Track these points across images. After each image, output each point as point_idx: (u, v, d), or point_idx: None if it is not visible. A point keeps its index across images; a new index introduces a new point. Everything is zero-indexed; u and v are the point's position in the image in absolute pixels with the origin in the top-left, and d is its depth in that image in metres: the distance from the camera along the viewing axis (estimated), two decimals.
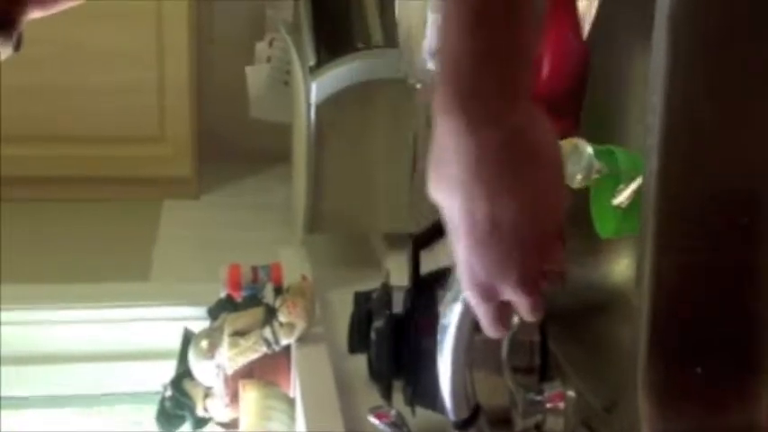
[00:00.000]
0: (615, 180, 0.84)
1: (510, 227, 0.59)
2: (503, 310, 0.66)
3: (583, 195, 0.86)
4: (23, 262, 2.13)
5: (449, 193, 0.60)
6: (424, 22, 1.29)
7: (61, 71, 2.36)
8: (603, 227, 0.89)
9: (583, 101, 0.84)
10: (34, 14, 0.46)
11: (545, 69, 0.78)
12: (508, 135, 0.57)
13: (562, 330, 0.94)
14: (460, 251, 0.62)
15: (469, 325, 0.75)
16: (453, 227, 0.61)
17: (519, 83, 0.57)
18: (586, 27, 0.91)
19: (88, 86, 2.37)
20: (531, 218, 0.60)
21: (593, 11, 0.91)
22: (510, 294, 0.64)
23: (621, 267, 0.96)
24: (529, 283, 0.64)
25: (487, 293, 0.64)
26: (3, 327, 1.91)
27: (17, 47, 0.44)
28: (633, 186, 0.82)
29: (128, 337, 1.99)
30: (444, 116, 0.56)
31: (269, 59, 2.38)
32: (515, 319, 0.96)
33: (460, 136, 0.56)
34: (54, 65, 2.34)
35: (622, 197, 0.83)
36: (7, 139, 2.35)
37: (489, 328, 0.68)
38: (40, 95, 2.36)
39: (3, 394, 1.85)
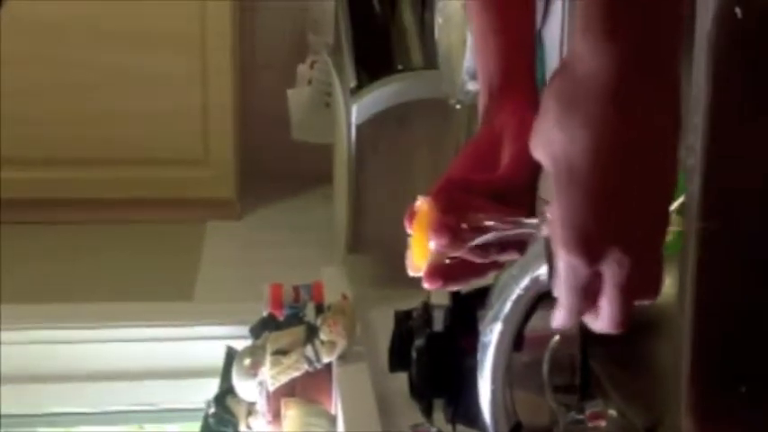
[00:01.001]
0: None
1: (634, 162, 0.53)
2: (589, 290, 0.56)
3: None
4: (72, 282, 2.18)
5: (566, 129, 0.53)
6: (464, 43, 1.31)
7: (108, 96, 2.41)
8: None
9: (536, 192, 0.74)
10: None
11: (504, 159, 0.69)
12: (666, 84, 0.52)
13: (603, 349, 0.94)
14: (568, 198, 0.54)
15: (510, 343, 0.75)
16: (568, 171, 0.53)
17: (677, 32, 0.52)
18: None
19: (134, 111, 2.42)
20: (651, 156, 0.53)
21: None
22: (614, 260, 0.54)
23: (665, 287, 0.95)
24: (642, 250, 0.54)
25: (591, 252, 0.54)
26: (55, 345, 1.96)
27: (1, 2, 0.41)
28: (675, 206, 0.82)
29: (172, 356, 2.01)
30: (588, 41, 0.52)
31: (310, 82, 2.41)
32: (555, 338, 0.96)
33: (594, 52, 0.51)
34: (101, 90, 2.40)
35: None
36: (57, 162, 2.41)
37: (566, 306, 0.58)
38: (89, 120, 2.41)
39: (57, 410, 1.89)
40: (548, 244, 0.60)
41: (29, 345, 1.98)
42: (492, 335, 0.75)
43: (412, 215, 0.67)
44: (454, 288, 0.66)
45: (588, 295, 0.56)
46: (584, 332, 0.98)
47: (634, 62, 0.52)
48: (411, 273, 0.67)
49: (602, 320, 0.57)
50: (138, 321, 2.03)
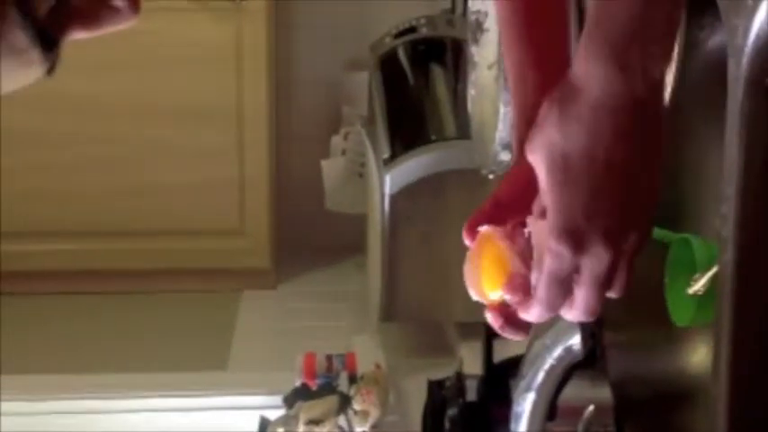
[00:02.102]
0: (691, 268, 0.83)
1: (624, 172, 0.60)
2: (568, 282, 0.62)
3: (658, 284, 0.86)
4: (109, 350, 2.20)
5: (566, 133, 0.60)
6: (496, 114, 1.33)
7: (147, 169, 2.46)
8: (679, 315, 0.88)
9: None
10: (77, 35, 0.49)
11: None
12: (648, 89, 0.59)
13: (638, 421, 0.93)
14: (562, 194, 0.60)
15: (543, 414, 0.75)
16: (564, 167, 0.60)
17: (670, 46, 0.61)
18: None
19: (172, 183, 2.47)
20: (640, 172, 0.60)
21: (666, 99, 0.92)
22: (595, 252, 0.60)
23: (699, 357, 0.94)
24: (617, 238, 0.61)
25: (575, 239, 0.60)
26: (91, 415, 1.97)
27: (51, 69, 0.45)
28: (709, 275, 0.82)
29: (206, 425, 2.01)
30: (590, 61, 0.59)
31: (344, 152, 2.45)
32: (590, 408, 0.95)
33: (604, 78, 0.58)
34: (140, 163, 2.46)
35: (698, 285, 0.82)
36: (98, 234, 2.46)
37: (544, 299, 0.62)
38: (128, 192, 2.46)
39: None
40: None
41: (68, 414, 2.00)
42: (525, 405, 0.75)
43: (473, 233, 0.68)
44: (513, 335, 0.67)
45: (566, 287, 0.62)
46: (620, 402, 0.97)
47: (630, 82, 0.59)
48: (475, 297, 0.69)
49: (576, 309, 0.62)
50: (173, 391, 2.03)
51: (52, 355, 2.14)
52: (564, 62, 0.76)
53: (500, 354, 1.13)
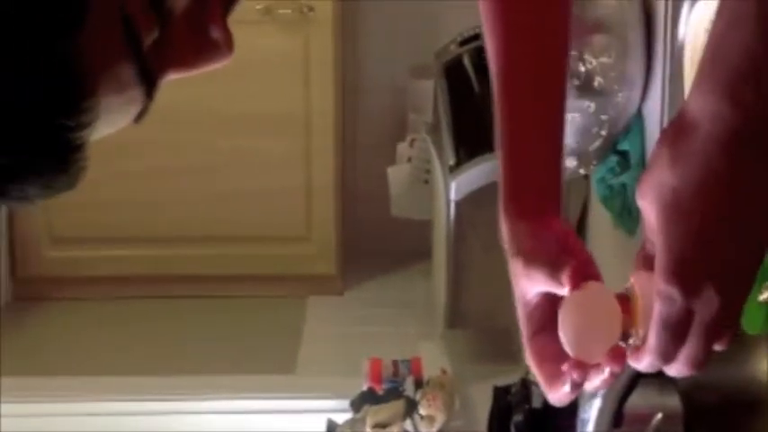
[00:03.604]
0: (762, 276, 0.83)
1: (737, 211, 0.57)
2: (681, 329, 0.57)
3: None
4: (183, 355, 2.25)
5: (677, 169, 0.57)
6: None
7: (217, 177, 2.52)
8: (750, 323, 0.87)
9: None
10: (175, 74, 0.47)
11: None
12: (765, 125, 0.56)
13: (707, 429, 0.92)
14: (673, 233, 0.57)
15: (609, 420, 0.75)
16: (676, 206, 0.57)
17: None
18: None
19: (241, 190, 2.52)
20: (755, 214, 0.57)
21: None
22: (707, 297, 0.57)
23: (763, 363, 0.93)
24: (730, 282, 0.57)
25: (686, 280, 0.56)
26: (162, 416, 2.02)
27: (143, 114, 0.45)
28: None
29: (275, 428, 2.04)
30: (703, 97, 0.57)
31: (410, 159, 2.46)
32: (658, 415, 0.95)
33: (717, 113, 0.56)
34: (211, 172, 2.51)
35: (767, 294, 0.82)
36: (169, 240, 2.52)
37: (655, 347, 0.58)
38: (199, 200, 2.52)
39: None
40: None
41: (137, 416, 2.05)
42: (591, 411, 0.75)
43: (625, 301, 0.63)
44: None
45: (678, 335, 0.58)
46: (688, 410, 0.96)
47: (745, 118, 0.57)
48: (574, 352, 0.62)
49: (681, 360, 0.59)
50: (242, 394, 2.07)
51: (124, 358, 2.20)
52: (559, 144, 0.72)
53: None
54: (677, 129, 0.58)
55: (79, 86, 0.41)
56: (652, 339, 0.59)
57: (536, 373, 0.66)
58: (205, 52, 0.48)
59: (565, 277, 0.63)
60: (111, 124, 0.45)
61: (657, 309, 0.58)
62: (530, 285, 0.67)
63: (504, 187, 0.71)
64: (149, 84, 0.44)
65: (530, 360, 0.66)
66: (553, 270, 0.64)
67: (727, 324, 0.58)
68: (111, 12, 0.42)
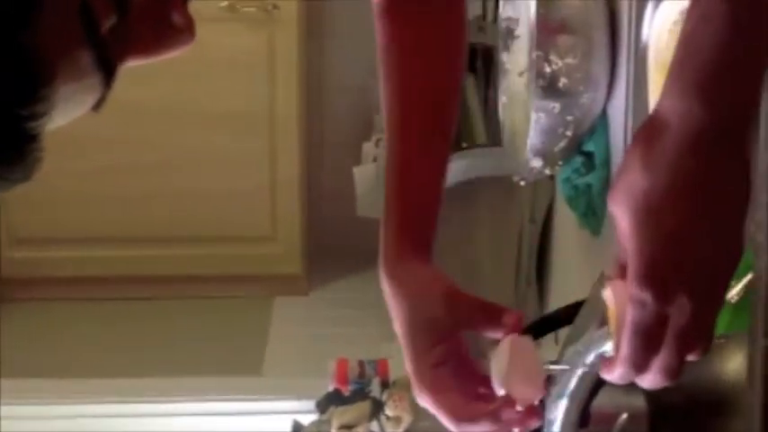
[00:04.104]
0: None
1: (711, 214, 0.55)
2: (654, 337, 0.56)
3: None
4: (141, 355, 2.22)
5: (649, 171, 0.56)
6: (528, 121, 1.33)
7: (179, 175, 2.49)
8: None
9: None
10: (133, 61, 0.46)
11: None
12: (736, 125, 0.56)
13: (672, 429, 0.93)
14: (644, 236, 0.55)
15: (575, 421, 0.75)
16: (647, 210, 0.56)
17: (759, 83, 0.56)
18: None
19: (204, 189, 2.50)
20: (729, 217, 0.55)
21: None
22: (679, 297, 0.55)
23: (734, 364, 0.94)
24: (704, 288, 0.55)
25: (658, 285, 0.55)
26: (126, 419, 1.99)
27: (100, 102, 0.44)
28: (744, 282, 0.81)
29: (240, 429, 2.03)
30: (674, 98, 0.56)
31: (375, 159, 2.46)
32: (623, 415, 0.95)
33: (688, 114, 0.55)
34: (173, 170, 2.49)
35: (733, 292, 0.82)
36: (131, 240, 2.49)
37: (627, 356, 0.57)
38: (161, 198, 2.50)
39: None
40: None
41: (101, 418, 2.03)
42: (557, 411, 0.75)
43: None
44: None
45: (651, 343, 0.56)
46: (654, 410, 0.96)
47: (716, 118, 0.55)
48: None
49: (655, 370, 0.57)
50: (207, 396, 2.05)
51: (86, 360, 2.17)
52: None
53: None
54: (648, 130, 0.57)
55: (36, 74, 0.40)
56: (624, 347, 0.57)
57: (435, 406, 0.70)
58: (166, 38, 0.47)
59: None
60: (67, 113, 0.44)
61: (629, 314, 0.56)
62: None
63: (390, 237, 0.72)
64: (107, 71, 0.43)
65: (426, 394, 0.70)
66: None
67: (701, 333, 0.56)
68: None
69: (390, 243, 0.72)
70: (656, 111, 0.57)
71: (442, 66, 0.75)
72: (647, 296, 0.55)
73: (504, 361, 0.67)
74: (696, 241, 0.55)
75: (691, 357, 0.57)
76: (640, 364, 0.57)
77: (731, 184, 0.56)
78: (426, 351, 0.69)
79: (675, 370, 0.57)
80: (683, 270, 0.55)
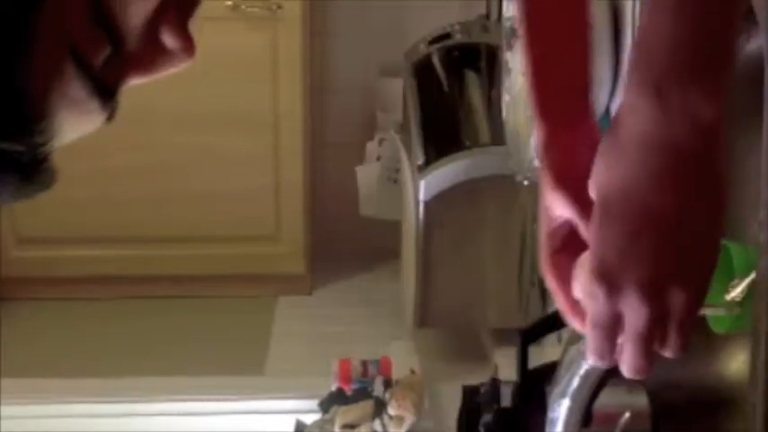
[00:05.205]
0: (729, 275, 0.83)
1: (660, 218, 0.54)
2: (612, 329, 0.57)
3: None
4: (149, 355, 2.23)
5: (607, 167, 0.56)
6: (531, 120, 1.33)
7: (184, 177, 2.49)
8: (717, 322, 0.88)
9: None
10: (134, 81, 0.48)
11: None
12: (694, 133, 0.54)
13: (675, 428, 0.93)
14: (599, 232, 0.56)
15: (578, 420, 0.75)
16: (605, 203, 0.56)
17: (720, 80, 0.55)
18: None
19: (209, 190, 2.50)
20: (682, 222, 0.55)
21: None
22: (629, 295, 0.55)
23: (736, 364, 0.94)
24: (655, 290, 0.55)
25: (608, 281, 0.55)
26: (128, 418, 1.99)
27: (111, 116, 0.47)
28: (747, 281, 0.81)
29: (243, 428, 2.03)
30: (633, 95, 0.56)
31: (378, 158, 2.46)
32: (626, 414, 0.95)
33: (643, 115, 0.54)
34: (179, 171, 2.48)
35: (736, 292, 0.82)
36: (137, 240, 2.49)
37: (593, 343, 0.58)
38: (167, 199, 2.49)
39: None
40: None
41: (103, 418, 2.03)
42: (560, 410, 0.75)
43: None
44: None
45: (610, 335, 0.57)
46: (656, 409, 0.96)
47: (670, 124, 0.55)
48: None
49: (623, 365, 0.58)
50: (209, 395, 2.05)
51: (86, 360, 2.17)
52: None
53: (535, 360, 1.13)
54: (611, 128, 0.57)
55: (29, 112, 0.42)
56: (588, 337, 0.58)
57: (555, 297, 0.65)
58: (163, 60, 0.48)
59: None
60: (76, 132, 0.46)
61: (587, 306, 0.58)
62: (556, 204, 0.65)
63: (533, 93, 0.70)
64: (105, 96, 0.45)
65: (548, 280, 0.65)
66: (580, 211, 0.63)
67: (665, 332, 0.56)
68: (56, 38, 0.43)
69: (539, 103, 0.70)
70: (620, 106, 0.58)
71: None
72: (597, 290, 0.56)
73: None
74: (646, 242, 0.55)
75: (667, 354, 0.57)
76: (603, 354, 0.58)
77: (684, 184, 0.55)
78: (547, 236, 0.66)
79: (641, 367, 0.57)
80: (631, 269, 0.55)
